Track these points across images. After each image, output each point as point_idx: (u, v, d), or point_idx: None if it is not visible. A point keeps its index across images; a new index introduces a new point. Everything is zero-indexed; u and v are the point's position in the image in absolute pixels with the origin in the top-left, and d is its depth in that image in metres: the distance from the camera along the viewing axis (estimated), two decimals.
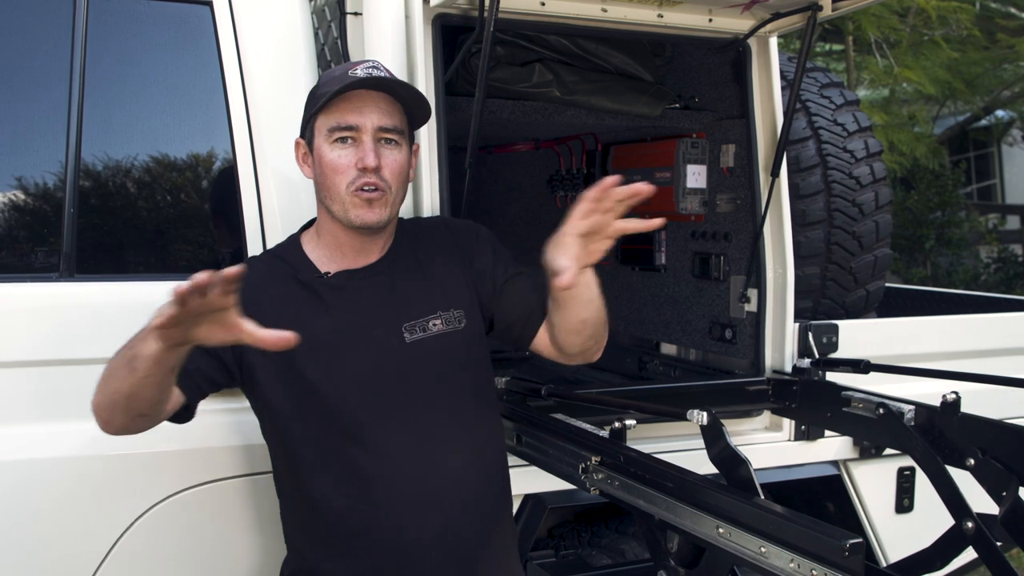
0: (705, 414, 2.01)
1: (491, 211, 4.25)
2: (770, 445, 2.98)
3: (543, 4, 2.53)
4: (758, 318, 2.96)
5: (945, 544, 2.26)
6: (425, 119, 2.09)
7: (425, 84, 2.46)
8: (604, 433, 2.18)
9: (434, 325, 2.03)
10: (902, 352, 3.11)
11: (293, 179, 2.38)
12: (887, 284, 3.94)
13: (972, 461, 2.21)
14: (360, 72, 1.93)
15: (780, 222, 2.93)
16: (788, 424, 3.00)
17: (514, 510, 2.54)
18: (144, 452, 2.25)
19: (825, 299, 3.60)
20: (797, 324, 2.96)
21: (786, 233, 2.93)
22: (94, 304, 2.31)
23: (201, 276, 1.42)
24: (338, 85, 1.92)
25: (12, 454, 2.24)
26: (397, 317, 2.02)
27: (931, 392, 2.44)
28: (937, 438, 2.30)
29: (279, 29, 2.53)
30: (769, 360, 2.96)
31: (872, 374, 2.72)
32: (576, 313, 1.97)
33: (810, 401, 2.79)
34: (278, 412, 1.99)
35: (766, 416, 3.02)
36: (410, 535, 1.98)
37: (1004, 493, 2.14)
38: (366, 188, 1.93)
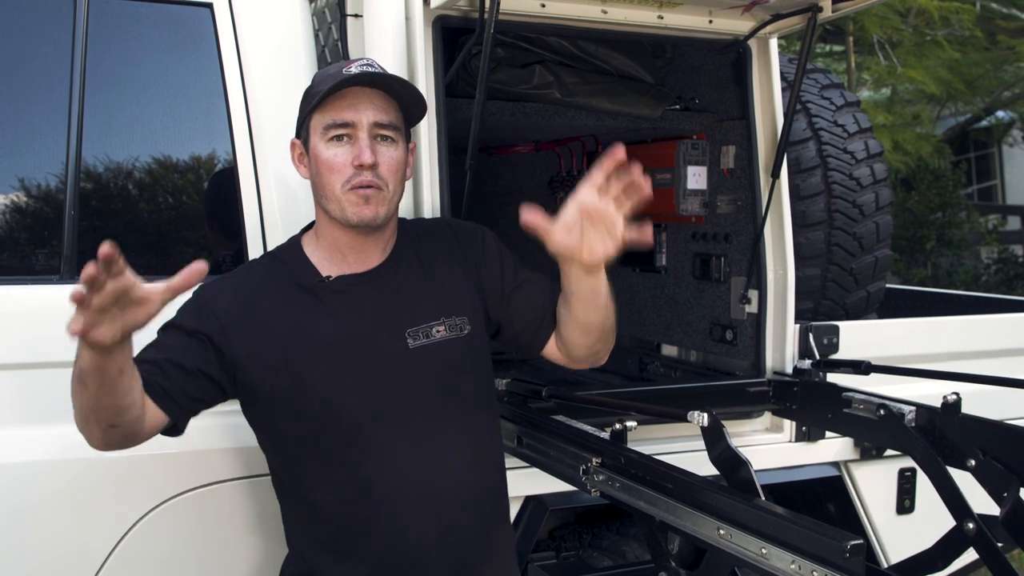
0: (706, 415, 2.01)
1: (491, 213, 4.24)
2: (771, 446, 2.98)
3: (543, 6, 2.53)
4: (759, 319, 2.96)
5: (946, 545, 2.25)
6: (421, 116, 2.07)
7: (425, 86, 2.46)
8: (605, 435, 2.18)
9: (437, 331, 2.02)
10: (903, 353, 3.11)
11: (293, 181, 2.38)
12: (887, 285, 3.94)
13: (973, 462, 2.21)
14: (354, 69, 1.92)
15: (781, 223, 2.93)
16: (789, 425, 3.00)
17: (514, 512, 2.54)
18: (144, 455, 2.23)
19: (826, 300, 3.60)
20: (798, 325, 2.96)
21: (787, 234, 2.93)
22: None
23: (87, 269, 1.44)
24: (332, 83, 1.90)
25: (12, 457, 2.24)
26: (400, 323, 2.00)
27: (932, 393, 2.44)
28: (938, 439, 2.30)
29: (279, 31, 2.53)
30: (770, 361, 2.96)
31: (873, 375, 2.72)
32: (585, 315, 1.96)
33: (811, 402, 2.79)
34: (277, 416, 1.98)
35: (767, 417, 3.02)
36: (411, 538, 1.98)
37: (1005, 494, 2.13)
38: (362, 186, 1.92)
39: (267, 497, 2.20)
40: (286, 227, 2.39)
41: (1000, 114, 12.78)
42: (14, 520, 2.25)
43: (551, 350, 2.12)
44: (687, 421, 2.05)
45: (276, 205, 2.45)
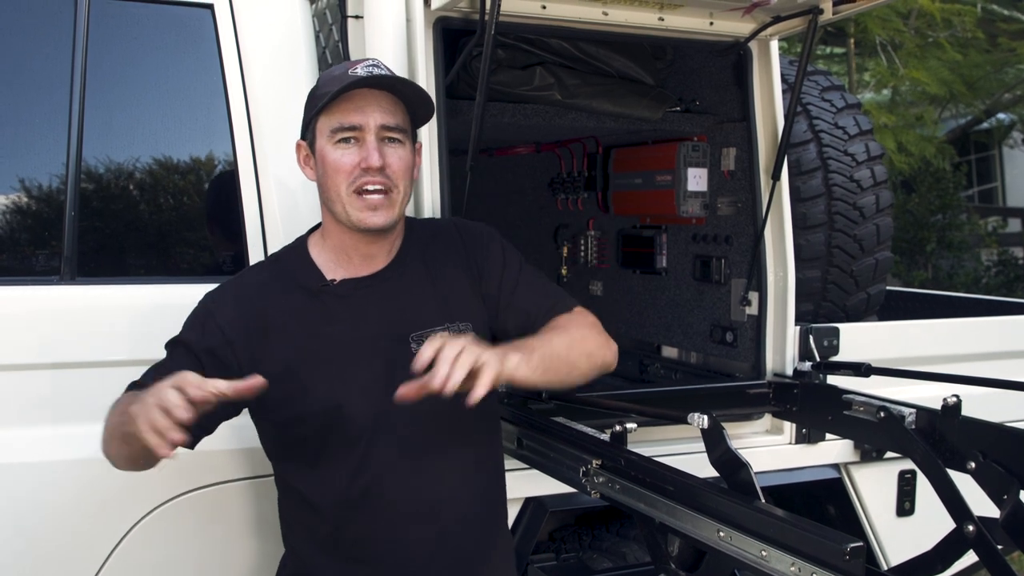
0: (706, 417, 2.01)
1: (492, 214, 4.24)
2: (771, 448, 2.98)
3: (544, 7, 2.53)
4: (759, 321, 2.96)
5: (946, 547, 2.25)
6: (428, 117, 2.05)
7: (426, 87, 2.45)
8: (605, 436, 2.18)
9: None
10: (903, 355, 3.11)
11: (294, 182, 2.38)
12: (888, 287, 3.94)
13: (973, 464, 2.21)
14: (360, 71, 1.90)
15: (781, 225, 2.93)
16: (789, 427, 3.00)
17: (514, 513, 2.54)
18: None
19: (826, 302, 3.60)
20: (798, 327, 2.96)
21: (787, 236, 2.93)
22: (95, 307, 2.32)
23: (219, 387, 1.64)
24: (339, 85, 1.88)
25: (12, 457, 2.23)
26: (404, 327, 1.99)
27: (932, 395, 2.44)
28: (938, 441, 2.30)
29: (280, 32, 2.53)
30: (770, 363, 2.96)
31: (873, 377, 2.73)
32: (548, 383, 1.97)
33: (811, 404, 2.79)
34: (281, 419, 1.97)
35: (767, 419, 3.02)
36: (410, 543, 1.98)
37: (1005, 496, 2.13)
38: (371, 188, 1.91)
39: (268, 497, 2.20)
40: (286, 228, 2.39)
41: (1001, 116, 12.78)
42: (14, 520, 2.24)
43: None
44: (687, 423, 2.05)
45: (276, 206, 2.45)
